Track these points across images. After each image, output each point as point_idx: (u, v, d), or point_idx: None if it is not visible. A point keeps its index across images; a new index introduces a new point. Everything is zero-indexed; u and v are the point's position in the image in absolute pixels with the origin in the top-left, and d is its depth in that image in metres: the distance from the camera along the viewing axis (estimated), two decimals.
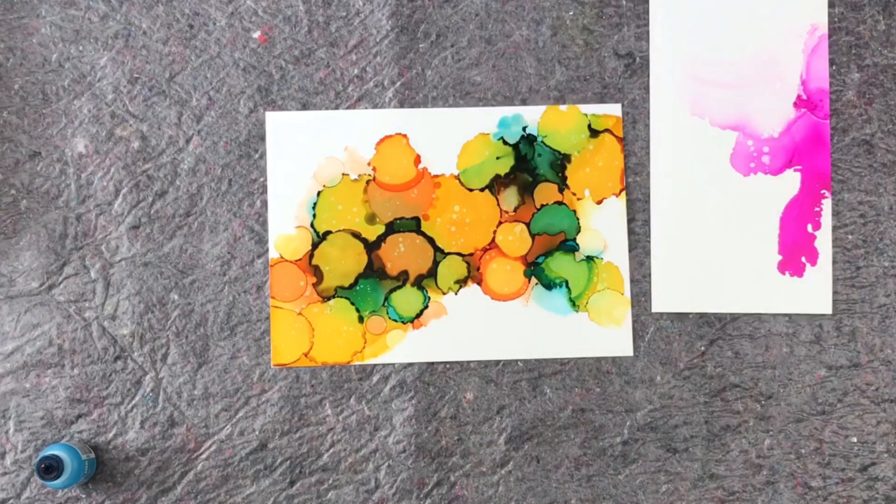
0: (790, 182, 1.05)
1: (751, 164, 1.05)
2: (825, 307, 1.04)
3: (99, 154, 1.04)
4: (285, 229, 1.04)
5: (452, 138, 1.05)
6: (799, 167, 1.05)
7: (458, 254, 1.05)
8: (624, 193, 1.05)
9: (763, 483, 1.03)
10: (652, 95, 1.05)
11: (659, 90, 1.05)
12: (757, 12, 1.05)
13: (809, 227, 1.05)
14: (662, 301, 1.04)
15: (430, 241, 1.05)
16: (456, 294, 1.04)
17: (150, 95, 1.05)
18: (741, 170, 1.05)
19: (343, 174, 1.05)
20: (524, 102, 1.05)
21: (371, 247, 1.04)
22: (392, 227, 1.05)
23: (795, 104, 1.06)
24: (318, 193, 1.04)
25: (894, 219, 1.05)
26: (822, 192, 1.05)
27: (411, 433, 1.03)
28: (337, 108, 1.05)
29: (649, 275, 1.05)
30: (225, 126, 1.05)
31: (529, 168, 1.05)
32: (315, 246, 1.04)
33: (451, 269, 1.04)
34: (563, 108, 1.05)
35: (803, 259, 1.05)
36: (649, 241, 1.05)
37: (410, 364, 1.04)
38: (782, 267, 1.04)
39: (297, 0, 1.05)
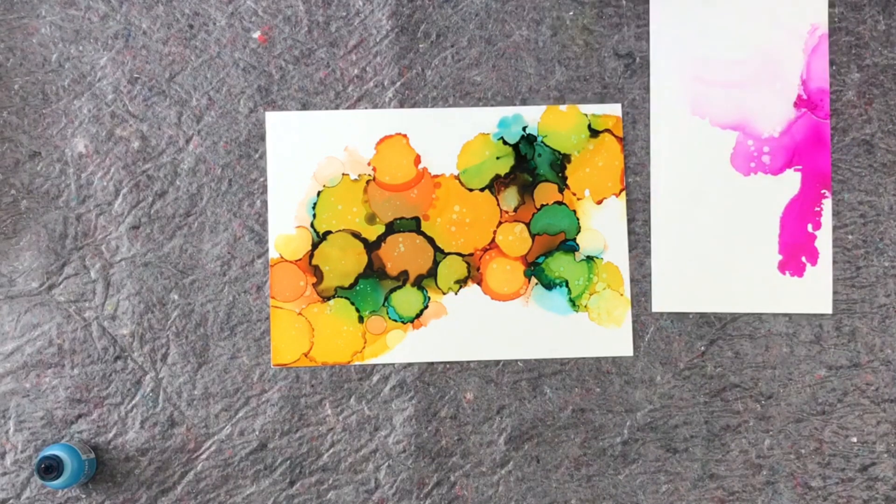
0: (790, 182, 1.05)
1: (751, 163, 1.05)
2: (825, 307, 1.04)
3: (99, 154, 1.04)
4: (285, 229, 1.04)
5: (452, 138, 1.05)
6: (799, 167, 1.05)
7: (458, 254, 1.05)
8: (624, 193, 1.05)
9: (763, 483, 1.03)
10: (652, 95, 1.05)
11: (659, 90, 1.05)
12: (757, 12, 1.05)
13: (810, 227, 1.05)
14: (662, 301, 1.04)
15: (430, 241, 1.05)
16: (456, 294, 1.04)
17: (150, 95, 1.05)
18: (741, 169, 1.05)
19: (343, 174, 1.05)
20: (524, 102, 1.05)
21: (371, 247, 1.04)
22: (392, 227, 1.05)
23: (796, 104, 1.06)
24: (318, 193, 1.04)
25: (894, 219, 1.05)
26: (823, 191, 1.05)
27: (411, 433, 1.03)
28: (337, 108, 1.05)
29: (649, 275, 1.05)
30: (225, 126, 1.05)
31: (529, 168, 1.05)
32: (315, 246, 1.04)
33: (451, 269, 1.04)
34: (563, 108, 1.05)
35: (803, 259, 1.05)
36: (649, 241, 1.05)
37: (410, 364, 1.04)
38: (782, 267, 1.05)
39: (297, 0, 1.05)
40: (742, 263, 1.04)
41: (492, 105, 1.05)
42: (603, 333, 1.04)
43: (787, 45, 1.05)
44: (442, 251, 1.05)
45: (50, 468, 0.94)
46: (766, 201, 1.05)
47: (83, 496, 1.02)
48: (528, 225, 1.05)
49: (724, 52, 1.05)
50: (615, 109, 1.05)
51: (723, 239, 1.05)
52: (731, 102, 1.05)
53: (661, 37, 1.05)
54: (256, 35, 1.05)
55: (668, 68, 1.05)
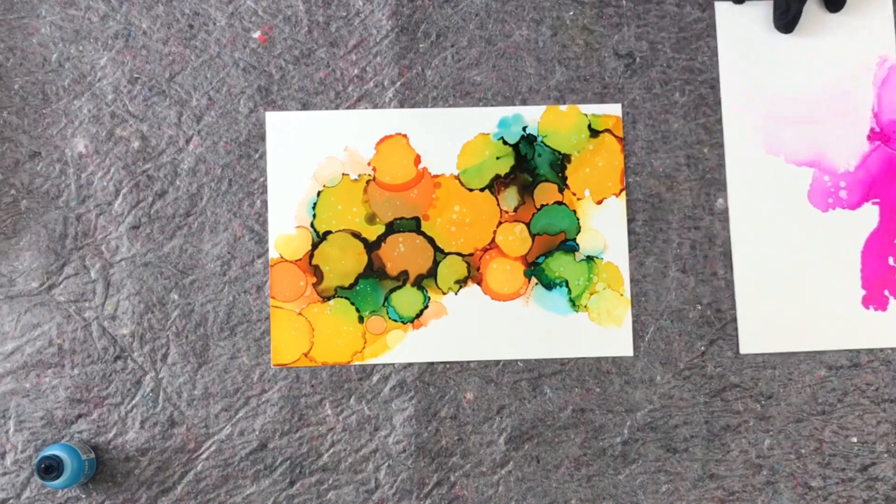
0: (869, 215, 1.05)
1: (829, 199, 1.05)
2: None
3: (99, 154, 1.04)
4: (285, 229, 1.04)
5: (452, 138, 1.05)
6: (877, 200, 1.05)
7: (458, 254, 1.05)
8: (624, 193, 1.05)
9: (763, 483, 1.03)
10: (726, 135, 1.04)
11: (732, 129, 1.05)
12: (825, 47, 1.05)
13: (891, 260, 1.04)
14: (750, 342, 1.03)
15: (430, 241, 1.05)
16: (456, 294, 1.04)
17: (150, 95, 1.05)
18: (819, 206, 1.04)
19: (343, 174, 1.05)
20: (524, 102, 1.05)
21: (371, 247, 1.04)
22: (392, 227, 1.05)
23: (869, 137, 1.05)
24: (318, 193, 1.04)
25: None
26: None
27: (411, 433, 1.03)
28: (337, 108, 1.05)
29: (649, 275, 1.05)
30: (225, 126, 1.05)
31: (529, 168, 1.05)
32: (315, 246, 1.04)
33: (451, 269, 1.04)
34: (563, 108, 1.05)
35: (886, 292, 1.04)
36: (649, 241, 1.05)
37: (410, 364, 1.04)
38: (866, 301, 1.04)
39: (297, 0, 1.05)
40: (826, 300, 1.03)
41: (492, 105, 1.05)
42: (603, 333, 1.04)
43: (856, 78, 1.05)
44: (442, 251, 1.05)
45: (50, 468, 0.94)
46: (846, 236, 1.04)
47: (83, 496, 1.02)
48: (528, 225, 1.05)
49: (795, 88, 1.05)
50: (615, 109, 1.05)
51: (806, 276, 1.04)
52: (804, 139, 1.05)
53: (730, 75, 1.05)
54: (256, 35, 1.05)
55: (740, 106, 1.04)
